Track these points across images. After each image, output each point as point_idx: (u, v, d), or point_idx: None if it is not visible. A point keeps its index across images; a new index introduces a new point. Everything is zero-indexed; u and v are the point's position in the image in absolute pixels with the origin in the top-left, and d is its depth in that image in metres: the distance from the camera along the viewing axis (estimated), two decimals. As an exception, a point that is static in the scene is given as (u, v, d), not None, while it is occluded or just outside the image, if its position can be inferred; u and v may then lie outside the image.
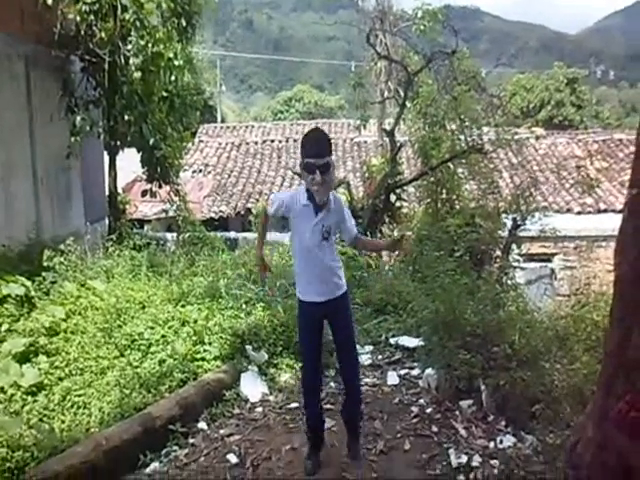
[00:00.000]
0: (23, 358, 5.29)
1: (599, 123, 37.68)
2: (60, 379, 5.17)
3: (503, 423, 4.33)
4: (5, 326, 5.73)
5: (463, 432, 4.30)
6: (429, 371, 5.10)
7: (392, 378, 5.36)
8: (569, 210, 14.59)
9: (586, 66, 43.00)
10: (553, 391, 4.26)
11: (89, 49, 8.64)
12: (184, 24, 10.40)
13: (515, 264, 8.79)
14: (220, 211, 15.47)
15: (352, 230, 3.88)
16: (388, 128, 11.91)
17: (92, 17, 8.25)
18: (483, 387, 4.54)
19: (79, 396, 4.94)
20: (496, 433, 4.23)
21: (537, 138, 17.96)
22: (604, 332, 5.00)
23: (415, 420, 4.56)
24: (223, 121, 32.81)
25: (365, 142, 19.11)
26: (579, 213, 14.53)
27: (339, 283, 3.81)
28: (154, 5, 8.88)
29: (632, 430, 2.80)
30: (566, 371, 4.52)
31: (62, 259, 6.86)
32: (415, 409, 4.73)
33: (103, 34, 8.32)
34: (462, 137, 10.79)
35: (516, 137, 11.07)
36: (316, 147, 3.51)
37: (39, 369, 5.21)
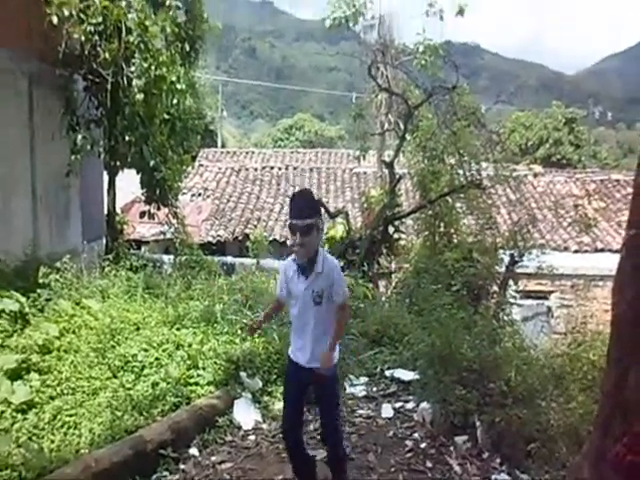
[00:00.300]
0: (15, 375, 5.21)
1: (597, 163, 38.07)
2: (51, 398, 5.09)
3: (498, 461, 4.30)
4: (-2, 342, 5.66)
5: (457, 469, 4.25)
6: (424, 405, 5.07)
7: (387, 411, 5.32)
8: (566, 248, 14.65)
9: (584, 106, 43.52)
10: (549, 430, 4.24)
11: (92, 69, 8.71)
12: (187, 48, 10.55)
13: (512, 300, 8.80)
14: (218, 235, 15.47)
15: (337, 296, 3.61)
16: (387, 160, 12.00)
17: (97, 37, 8.35)
18: (478, 423, 4.51)
19: (70, 416, 4.86)
20: (491, 471, 4.19)
21: (535, 175, 18.12)
22: (600, 372, 4.99)
23: (409, 454, 4.52)
24: (223, 146, 33.01)
25: (364, 173, 19.21)
26: (576, 252, 14.59)
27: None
28: (158, 29, 8.99)
29: (629, 473, 2.77)
30: (562, 410, 4.49)
31: (58, 276, 6.81)
32: (409, 443, 4.69)
33: (107, 55, 8.39)
34: (461, 172, 10.88)
35: (514, 174, 11.18)
36: (299, 208, 3.51)
37: (30, 387, 5.12)
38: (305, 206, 3.53)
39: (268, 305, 6.41)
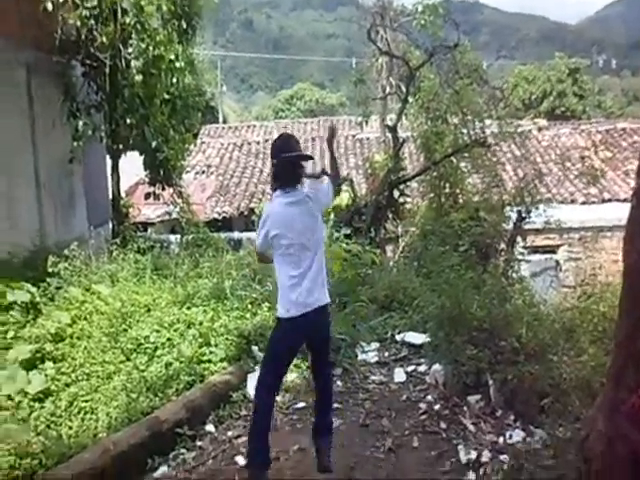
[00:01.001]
0: (30, 365, 5.29)
1: (602, 113, 37.44)
2: (67, 385, 5.17)
3: (512, 418, 4.31)
4: (11, 333, 5.74)
5: (472, 428, 4.27)
6: (436, 367, 5.08)
7: (399, 375, 5.34)
8: (573, 201, 14.48)
9: (588, 56, 42.75)
10: (561, 384, 4.23)
11: (90, 54, 8.64)
12: (184, 26, 10.39)
13: (520, 257, 8.75)
14: (223, 212, 15.46)
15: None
16: (390, 124, 11.87)
17: (92, 22, 8.24)
18: (491, 382, 4.51)
19: (86, 402, 4.94)
20: (505, 428, 4.21)
21: (540, 130, 17.89)
22: (611, 323, 4.97)
23: (423, 417, 4.55)
24: (225, 122, 32.76)
25: (367, 139, 19.04)
26: (583, 203, 14.41)
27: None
28: (154, 8, 8.85)
29: (644, 423, 2.78)
30: (574, 364, 4.48)
31: (66, 264, 6.86)
32: (423, 406, 4.72)
33: (104, 38, 8.30)
34: (465, 131, 10.75)
35: (519, 129, 11.04)
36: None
37: (46, 375, 5.21)
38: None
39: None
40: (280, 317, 3.60)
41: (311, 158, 3.96)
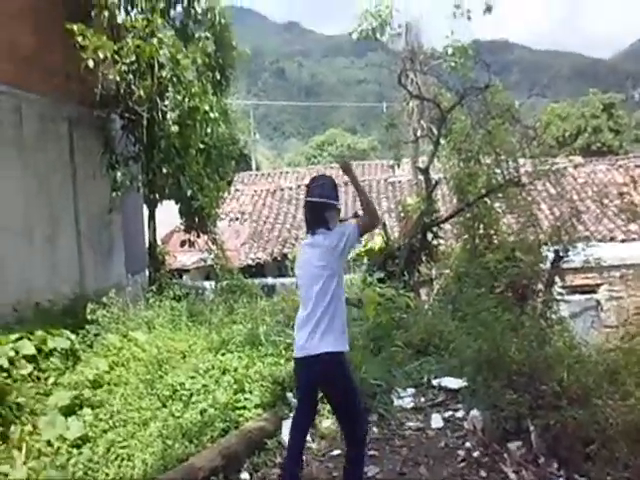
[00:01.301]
0: (69, 411, 5.38)
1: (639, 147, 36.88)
2: (104, 431, 5.22)
3: (555, 465, 4.15)
4: (52, 379, 5.87)
5: (513, 476, 4.13)
6: (474, 412, 4.94)
7: (436, 421, 5.21)
8: (612, 239, 14.17)
9: (622, 90, 42.37)
10: (607, 430, 4.06)
11: (128, 107, 8.97)
12: (218, 77, 10.76)
13: (559, 297, 8.56)
14: (257, 258, 15.59)
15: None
16: (422, 166, 11.89)
17: (131, 76, 8.63)
18: (532, 428, 4.37)
19: (123, 448, 4.96)
20: (548, 477, 4.05)
21: (575, 167, 17.68)
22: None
23: (462, 465, 4.41)
24: (258, 169, 33.32)
25: (399, 182, 19.11)
26: (623, 241, 14.08)
27: None
28: (189, 61, 9.20)
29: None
30: (619, 407, 4.31)
31: (105, 312, 7.01)
32: (461, 453, 4.58)
33: (142, 92, 8.65)
34: (498, 171, 10.69)
35: (554, 167, 10.91)
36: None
37: (84, 421, 5.29)
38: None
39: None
40: None
41: (330, 203, 3.77)
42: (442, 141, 11.64)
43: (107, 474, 4.65)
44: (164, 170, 9.64)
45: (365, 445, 3.79)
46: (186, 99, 9.14)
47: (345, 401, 3.70)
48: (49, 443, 5.01)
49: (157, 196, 10.32)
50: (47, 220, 8.23)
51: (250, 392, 5.58)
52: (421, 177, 12.41)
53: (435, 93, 12.59)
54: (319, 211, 3.73)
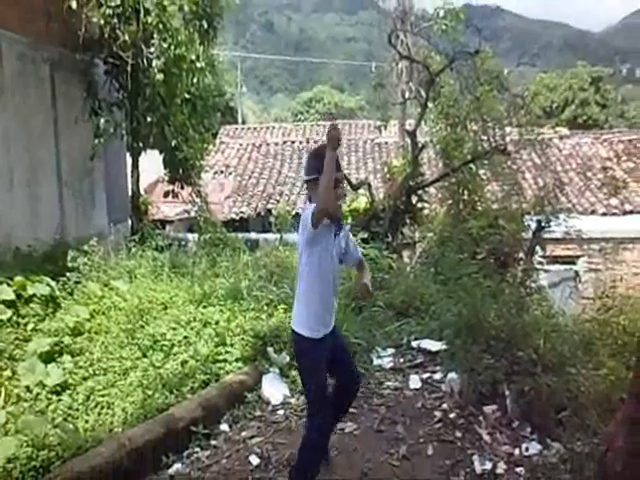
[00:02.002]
0: (48, 358, 5.36)
1: (625, 122, 37.01)
2: (84, 379, 5.23)
3: (528, 430, 4.27)
4: (31, 325, 5.82)
5: (487, 438, 4.24)
6: (452, 375, 5.04)
7: (414, 382, 5.32)
8: (594, 212, 14.31)
9: (611, 64, 42.27)
10: (579, 397, 4.19)
11: (112, 52, 8.72)
12: (205, 26, 10.45)
13: (539, 266, 8.66)
14: (241, 212, 15.51)
15: (357, 253, 3.75)
16: (409, 129, 11.82)
17: (115, 20, 8.36)
18: (507, 392, 4.48)
19: (103, 396, 4.99)
20: (521, 440, 4.17)
21: (561, 138, 17.71)
22: (631, 337, 4.93)
23: (438, 425, 4.52)
24: (244, 122, 32.93)
25: (386, 143, 19.00)
26: (604, 214, 14.23)
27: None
28: (176, 8, 8.95)
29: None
30: (592, 377, 4.43)
31: (86, 259, 6.95)
32: (438, 414, 4.69)
33: (126, 37, 8.40)
34: (484, 138, 10.66)
35: (540, 137, 10.91)
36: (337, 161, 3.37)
37: (63, 369, 5.27)
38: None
39: (293, 279, 6.46)
40: None
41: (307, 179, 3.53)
42: (430, 105, 11.55)
43: (87, 421, 4.68)
44: (148, 119, 9.46)
45: (317, 433, 3.56)
46: (172, 47, 8.93)
47: (301, 376, 3.76)
48: (28, 389, 5.01)
49: (141, 145, 10.15)
50: (27, 164, 8.05)
51: (231, 345, 5.63)
52: (408, 140, 12.35)
53: (425, 55, 12.40)
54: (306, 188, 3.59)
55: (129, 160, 10.68)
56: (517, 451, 4.05)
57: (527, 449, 4.03)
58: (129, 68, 8.62)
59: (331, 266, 3.49)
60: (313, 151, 3.67)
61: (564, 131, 19.56)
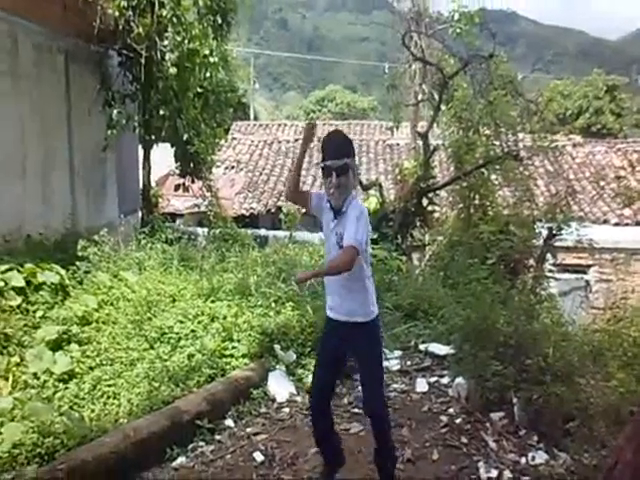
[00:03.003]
0: (56, 345, 5.38)
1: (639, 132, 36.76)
2: (91, 368, 5.24)
3: (535, 438, 4.23)
4: (40, 313, 5.85)
5: (493, 445, 4.21)
6: (459, 380, 5.02)
7: (421, 385, 5.29)
8: (606, 221, 14.24)
9: (627, 73, 41.93)
10: (588, 408, 4.15)
11: (127, 44, 8.75)
12: (219, 21, 10.49)
13: (549, 274, 8.62)
14: (251, 208, 15.53)
15: (347, 239, 3.24)
16: (422, 131, 11.80)
17: (130, 13, 8.38)
18: (515, 400, 4.44)
19: (109, 386, 5.00)
20: (528, 448, 4.13)
21: (574, 146, 17.63)
22: (642, 349, 4.89)
23: (444, 430, 4.49)
24: (256, 119, 32.90)
25: (397, 145, 18.97)
26: (616, 224, 14.16)
27: (357, 307, 3.44)
28: (191, 2, 8.99)
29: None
30: (601, 388, 4.40)
31: (96, 250, 6.97)
32: (444, 418, 4.66)
33: (141, 29, 8.42)
34: (497, 143, 10.64)
35: (553, 144, 10.88)
36: (333, 148, 3.38)
37: (71, 357, 5.29)
38: (340, 145, 3.40)
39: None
40: None
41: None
42: (443, 107, 11.53)
43: (92, 410, 4.69)
44: (161, 112, 9.49)
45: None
46: (186, 41, 8.95)
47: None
48: (35, 376, 5.02)
49: (153, 138, 10.20)
50: (40, 154, 8.07)
51: (238, 341, 5.62)
52: (420, 142, 12.33)
53: (439, 58, 12.38)
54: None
55: (141, 152, 10.70)
56: (523, 460, 4.01)
57: (534, 458, 3.99)
58: (143, 60, 8.65)
59: (329, 250, 3.51)
60: (339, 134, 3.59)
61: (578, 139, 19.45)
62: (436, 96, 11.83)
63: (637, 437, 2.95)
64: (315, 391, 3.69)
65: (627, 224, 14.05)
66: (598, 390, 4.36)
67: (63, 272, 6.46)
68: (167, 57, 8.93)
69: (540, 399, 4.22)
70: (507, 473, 3.87)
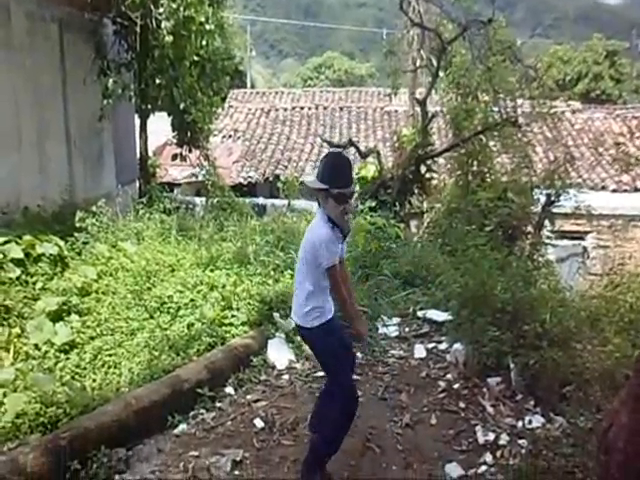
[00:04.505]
0: (56, 316, 5.41)
1: (639, 98, 36.42)
2: (91, 338, 5.29)
3: (532, 403, 4.30)
4: (39, 284, 5.87)
5: (490, 409, 4.28)
6: (457, 346, 5.07)
7: (419, 351, 5.34)
8: (604, 188, 14.17)
9: (627, 38, 41.32)
10: (584, 373, 4.21)
11: (121, 12, 8.59)
12: (215, -13, 10.27)
13: (547, 241, 8.63)
14: (249, 177, 15.44)
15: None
16: (420, 97, 11.68)
17: (125, -21, 8.20)
18: (512, 365, 4.49)
19: (110, 356, 5.05)
20: (524, 412, 4.20)
21: (573, 112, 17.49)
22: (638, 314, 4.92)
23: (442, 395, 4.56)
24: (253, 87, 32.52)
25: (396, 111, 18.79)
26: (614, 191, 14.09)
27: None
28: (186, -32, 8.78)
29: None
30: (598, 353, 4.44)
31: (94, 220, 6.96)
32: (442, 384, 4.73)
33: (135, -4, 8.25)
34: (496, 109, 10.53)
35: (552, 110, 10.77)
36: (349, 173, 3.40)
37: (71, 328, 5.33)
38: (351, 171, 3.45)
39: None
40: None
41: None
42: (441, 73, 11.40)
43: (94, 380, 4.75)
44: (157, 80, 9.39)
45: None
46: (181, 8, 8.80)
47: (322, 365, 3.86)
48: (37, 347, 5.07)
49: (149, 107, 10.10)
50: (36, 124, 7.98)
51: (237, 309, 5.66)
52: (418, 108, 12.20)
53: (437, 23, 12.19)
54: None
55: (138, 122, 10.60)
56: (520, 423, 4.08)
57: (530, 422, 4.06)
58: (138, 29, 8.51)
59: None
60: (329, 159, 3.57)
61: (577, 105, 19.27)
62: (434, 62, 11.68)
63: (632, 400, 2.99)
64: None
65: (625, 190, 13.99)
66: (594, 355, 4.40)
67: (62, 243, 6.47)
68: (163, 25, 8.80)
69: (537, 364, 4.26)
70: (504, 436, 3.94)
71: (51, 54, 8.41)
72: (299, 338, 5.44)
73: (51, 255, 6.24)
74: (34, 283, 5.87)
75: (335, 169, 3.37)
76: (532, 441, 3.67)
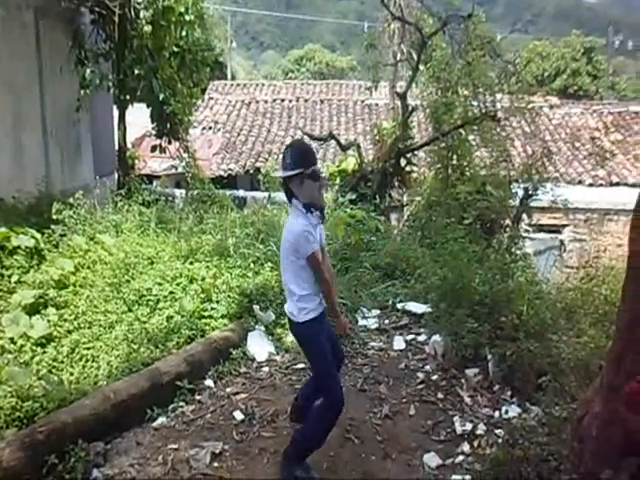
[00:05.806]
0: (32, 310, 5.32)
1: (615, 94, 36.84)
2: (69, 332, 5.22)
3: (509, 393, 4.36)
4: (15, 277, 5.77)
5: (468, 400, 4.33)
6: (436, 338, 5.11)
7: (398, 343, 5.38)
8: (580, 182, 14.40)
9: (604, 35, 41.80)
10: (560, 364, 4.27)
11: (99, 1, 8.48)
12: (195, -23, 10.18)
13: (525, 234, 8.74)
14: (229, 169, 15.37)
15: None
16: (400, 91, 11.72)
17: (102, -32, 8.10)
18: (489, 356, 4.55)
19: (88, 349, 4.99)
20: (501, 403, 4.27)
21: (551, 107, 17.69)
22: (612, 306, 5.01)
23: (421, 386, 4.60)
24: (233, 78, 32.32)
25: (376, 105, 18.83)
26: (591, 185, 14.32)
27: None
28: (165, -43, 8.70)
29: (641, 409, 2.81)
30: (573, 344, 4.52)
31: (71, 212, 6.87)
32: (421, 375, 4.77)
33: (113, -15, 8.16)
34: (475, 103, 10.61)
35: (530, 105, 10.88)
36: (312, 154, 3.56)
37: (48, 321, 5.25)
38: (313, 151, 3.66)
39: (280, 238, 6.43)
40: None
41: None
42: (421, 67, 11.47)
43: (71, 374, 4.68)
44: (136, 71, 9.30)
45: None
46: (160, -2, 8.71)
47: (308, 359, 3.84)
48: (12, 341, 4.98)
49: (128, 98, 9.97)
50: (11, 114, 7.86)
51: (217, 302, 5.64)
52: (398, 102, 12.27)
53: (417, 17, 12.27)
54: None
55: (116, 113, 10.48)
56: (497, 414, 4.14)
57: (507, 412, 4.11)
58: (116, 18, 8.43)
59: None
60: (294, 145, 3.80)
61: (554, 100, 19.50)
62: (415, 56, 11.75)
63: (605, 390, 3.06)
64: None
65: (601, 185, 14.22)
66: (569, 346, 4.47)
67: (38, 236, 6.36)
68: (141, 15, 8.73)
69: (514, 355, 4.32)
70: (481, 426, 4.00)
71: (27, 42, 8.27)
72: (279, 330, 5.48)
73: (27, 248, 6.13)
74: (9, 276, 5.77)
75: (303, 152, 3.53)
76: (508, 431, 3.72)
